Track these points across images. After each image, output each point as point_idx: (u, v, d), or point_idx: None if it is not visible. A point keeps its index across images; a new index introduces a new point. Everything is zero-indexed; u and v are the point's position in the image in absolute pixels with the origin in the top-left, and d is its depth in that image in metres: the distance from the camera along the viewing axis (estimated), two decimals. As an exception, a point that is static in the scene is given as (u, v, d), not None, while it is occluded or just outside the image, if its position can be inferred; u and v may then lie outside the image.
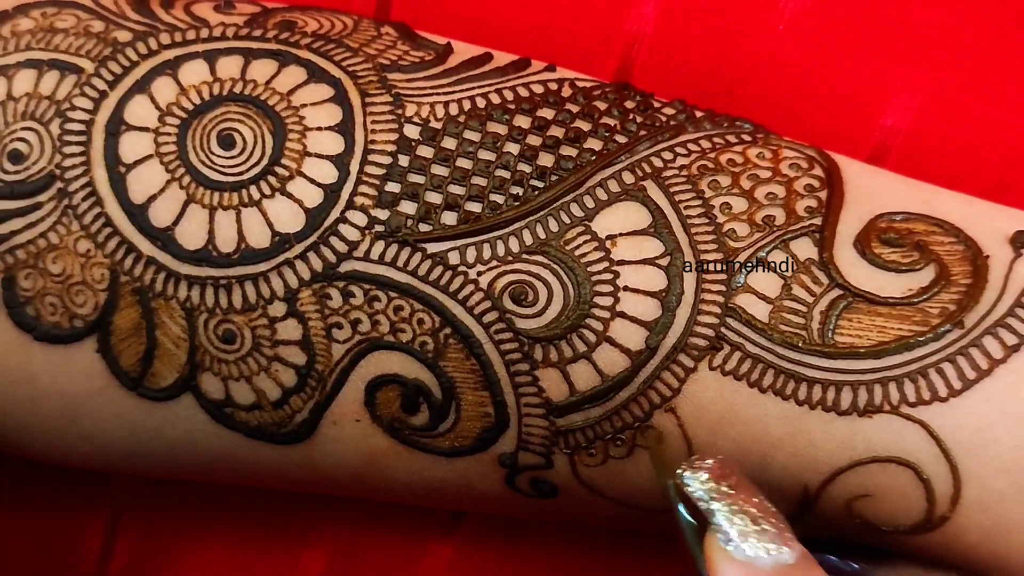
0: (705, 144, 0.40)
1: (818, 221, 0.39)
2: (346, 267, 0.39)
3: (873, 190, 0.40)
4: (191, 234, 0.39)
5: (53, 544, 0.54)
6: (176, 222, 0.39)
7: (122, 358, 0.40)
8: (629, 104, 0.41)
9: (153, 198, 0.39)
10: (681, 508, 0.34)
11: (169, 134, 0.40)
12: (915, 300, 0.37)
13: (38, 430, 0.43)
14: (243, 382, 0.40)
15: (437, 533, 0.52)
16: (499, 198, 0.39)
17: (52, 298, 0.40)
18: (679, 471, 0.35)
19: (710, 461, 0.35)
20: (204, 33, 0.42)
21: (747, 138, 0.41)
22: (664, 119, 0.41)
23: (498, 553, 0.52)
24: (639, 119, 0.41)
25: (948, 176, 0.46)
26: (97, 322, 0.40)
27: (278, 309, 0.39)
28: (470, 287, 0.38)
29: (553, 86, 0.42)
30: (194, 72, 0.40)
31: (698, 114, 0.42)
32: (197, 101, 0.40)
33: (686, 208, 0.39)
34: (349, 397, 0.40)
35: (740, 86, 0.48)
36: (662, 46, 0.48)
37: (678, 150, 0.40)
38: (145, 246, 0.39)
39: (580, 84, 0.42)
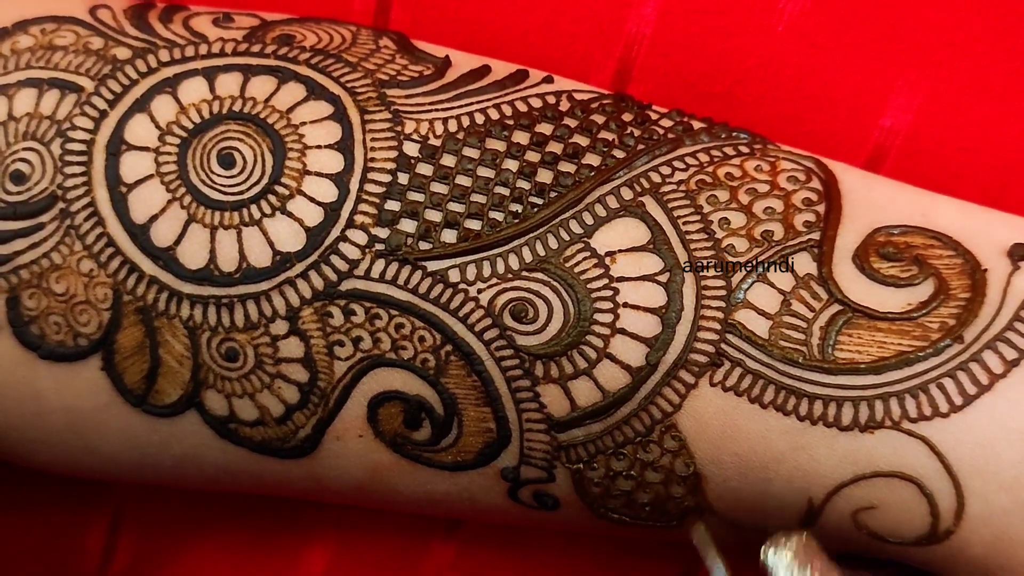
0: (703, 158, 0.40)
1: (816, 236, 0.39)
2: (347, 285, 0.39)
3: (871, 202, 0.40)
4: (193, 253, 0.39)
5: (55, 544, 0.54)
6: (178, 242, 0.39)
7: (126, 376, 0.41)
8: (627, 117, 0.41)
9: (154, 218, 0.39)
10: None
11: (169, 153, 0.40)
12: (914, 315, 0.37)
13: (44, 444, 0.43)
14: (246, 399, 0.40)
15: (439, 532, 0.52)
16: (498, 215, 0.39)
17: (56, 317, 0.40)
18: (764, 548, 0.35)
19: (793, 539, 0.35)
20: (203, 49, 0.42)
21: (745, 150, 0.41)
22: (662, 132, 0.41)
23: (501, 552, 0.52)
24: (637, 132, 0.41)
25: (947, 177, 0.46)
26: (101, 340, 0.40)
27: (280, 327, 0.39)
28: (470, 304, 0.38)
29: (551, 100, 0.42)
30: (193, 90, 0.41)
31: (695, 125, 0.42)
32: (197, 120, 0.40)
33: (685, 224, 0.39)
34: (352, 413, 0.40)
35: (739, 87, 0.48)
36: (661, 47, 0.48)
37: (676, 164, 0.40)
38: (147, 266, 0.39)
39: (578, 97, 0.42)
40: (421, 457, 0.40)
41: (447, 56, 0.43)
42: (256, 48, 0.42)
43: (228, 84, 0.41)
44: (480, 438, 0.39)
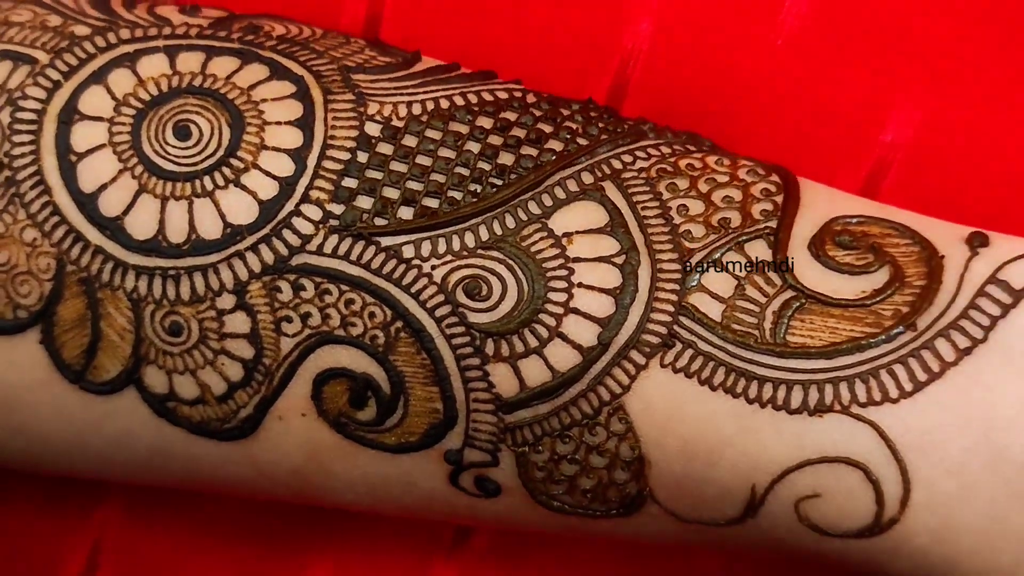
0: (665, 149, 0.41)
1: (773, 224, 0.39)
2: (298, 260, 0.38)
3: (830, 197, 0.40)
4: (141, 224, 0.39)
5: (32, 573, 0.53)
6: (126, 211, 0.39)
7: (65, 350, 0.40)
8: (593, 114, 0.42)
9: (104, 187, 0.39)
10: None
11: (124, 123, 0.39)
12: (868, 302, 0.37)
13: None
14: (188, 375, 0.39)
15: (441, 553, 0.51)
16: (457, 194, 0.39)
17: None
18: None
19: None
20: (166, 31, 0.41)
21: (706, 148, 0.41)
22: (626, 127, 0.41)
23: (504, 574, 0.52)
24: (601, 125, 0.41)
25: (950, 191, 0.46)
26: (41, 312, 0.40)
27: (226, 301, 0.39)
28: (423, 280, 0.38)
29: (518, 93, 0.42)
30: (153, 65, 0.40)
31: (660, 128, 0.42)
32: (155, 92, 0.40)
33: (643, 209, 0.39)
34: (296, 391, 0.39)
35: (738, 102, 0.47)
36: (658, 63, 0.48)
37: (638, 154, 0.40)
38: (93, 235, 0.39)
39: (545, 95, 0.42)
40: (364, 438, 0.39)
41: (417, 52, 0.43)
42: (222, 34, 0.42)
43: (189, 62, 0.40)
44: (426, 419, 0.39)
